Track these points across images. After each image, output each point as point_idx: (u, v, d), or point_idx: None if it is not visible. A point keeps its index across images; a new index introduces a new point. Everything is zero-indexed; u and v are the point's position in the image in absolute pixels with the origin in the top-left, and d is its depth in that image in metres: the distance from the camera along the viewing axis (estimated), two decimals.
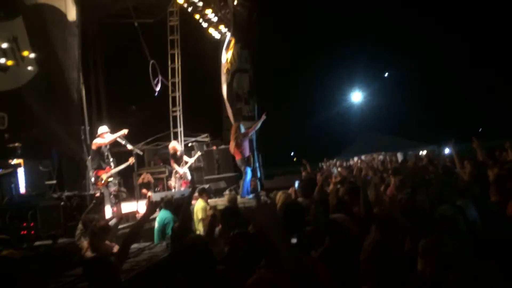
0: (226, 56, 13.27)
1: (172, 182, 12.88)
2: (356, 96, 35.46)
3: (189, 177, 11.92)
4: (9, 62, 7.05)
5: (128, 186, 12.49)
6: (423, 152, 19.24)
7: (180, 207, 7.87)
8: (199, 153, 12.80)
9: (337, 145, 30.66)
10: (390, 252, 2.71)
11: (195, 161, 12.31)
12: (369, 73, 41.70)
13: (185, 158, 11.93)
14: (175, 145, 11.91)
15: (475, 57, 41.57)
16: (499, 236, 3.28)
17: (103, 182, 8.32)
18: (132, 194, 12.06)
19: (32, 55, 7.41)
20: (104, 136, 8.46)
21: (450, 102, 39.94)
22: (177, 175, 11.71)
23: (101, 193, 6.89)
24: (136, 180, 12.68)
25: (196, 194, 8.72)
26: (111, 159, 8.67)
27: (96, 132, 8.72)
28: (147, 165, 14.01)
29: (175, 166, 11.54)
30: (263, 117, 10.84)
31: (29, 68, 7.32)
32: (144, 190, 11.72)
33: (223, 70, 13.27)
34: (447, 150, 13.97)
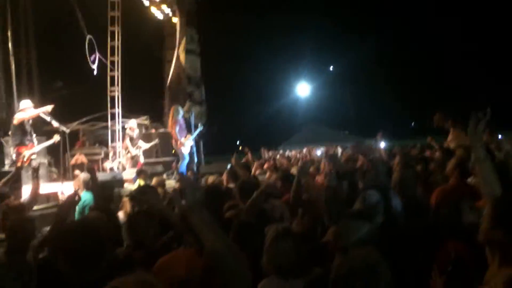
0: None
1: (108, 163, 12.46)
2: (303, 89, 35.89)
3: (142, 160, 11.72)
4: None
5: (60, 166, 11.93)
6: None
7: (109, 189, 7.59)
8: (157, 141, 12.74)
9: (283, 136, 30.93)
10: (293, 240, 2.65)
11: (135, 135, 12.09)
12: (316, 66, 42.32)
13: (140, 142, 11.88)
14: (133, 126, 11.90)
15: (420, 52, 43.19)
16: (418, 226, 3.34)
17: (25, 159, 7.86)
18: (64, 175, 11.55)
19: None
20: (26, 110, 7.95)
21: (391, 97, 41.49)
22: (129, 155, 11.63)
23: (18, 170, 6.43)
24: (69, 160, 12.17)
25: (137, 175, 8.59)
26: (34, 136, 8.18)
27: None
28: (83, 145, 13.44)
29: (129, 145, 11.50)
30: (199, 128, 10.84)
31: None
32: (76, 172, 11.22)
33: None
34: (383, 144, 14.35)
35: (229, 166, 7.66)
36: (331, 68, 39.39)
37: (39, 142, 8.43)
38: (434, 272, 2.40)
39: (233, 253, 1.74)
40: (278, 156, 15.08)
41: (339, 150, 15.86)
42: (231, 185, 6.22)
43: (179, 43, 13.99)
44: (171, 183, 9.58)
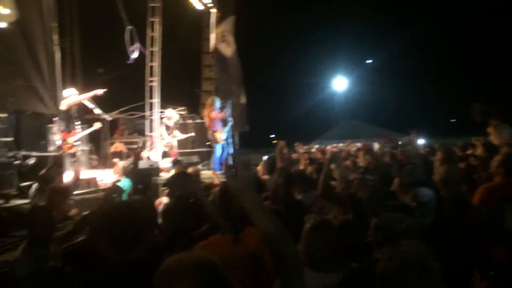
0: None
1: (145, 152, 12.70)
2: (339, 83, 35.38)
3: (176, 149, 11.96)
4: None
5: (100, 154, 12.27)
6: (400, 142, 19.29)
7: (147, 177, 7.77)
8: (192, 134, 13.19)
9: (319, 131, 30.64)
10: (330, 232, 2.61)
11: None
12: (352, 60, 41.49)
13: (176, 132, 12.22)
14: (171, 115, 12.26)
15: (461, 48, 41.21)
16: (461, 225, 3.24)
17: (69, 145, 8.11)
18: (104, 162, 11.88)
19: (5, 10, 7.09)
20: (71, 97, 8.20)
21: (432, 91, 39.91)
22: (164, 142, 11.92)
23: (62, 156, 6.64)
24: (108, 148, 12.49)
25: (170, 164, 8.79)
26: (78, 123, 8.43)
27: None
28: (122, 134, 13.76)
29: (163, 133, 11.85)
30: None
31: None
32: (115, 159, 11.50)
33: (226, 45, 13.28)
34: (421, 141, 14.00)
35: (265, 158, 7.66)
36: (369, 61, 38.54)
37: (82, 129, 8.67)
38: (475, 276, 2.32)
39: (285, 236, 1.72)
40: (313, 150, 14.95)
41: (376, 145, 15.58)
42: (265, 177, 6.24)
43: (218, 34, 14.09)
44: (206, 173, 9.67)
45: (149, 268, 1.58)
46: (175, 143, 12.13)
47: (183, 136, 12.42)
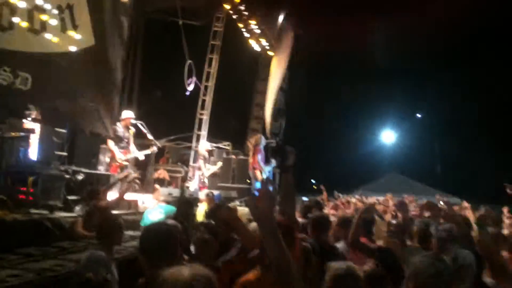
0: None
1: (188, 183, 12.94)
2: (388, 136, 34.97)
3: (207, 182, 12.12)
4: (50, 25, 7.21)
5: (145, 178, 12.61)
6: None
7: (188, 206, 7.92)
8: (220, 163, 13.08)
9: (362, 182, 30.11)
10: (355, 282, 2.56)
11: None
12: (403, 112, 40.73)
13: (208, 165, 12.38)
14: (206, 147, 12.61)
15: None
16: None
17: (117, 164, 8.40)
18: (146, 187, 12.18)
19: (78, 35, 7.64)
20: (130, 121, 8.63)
21: (485, 153, 37.93)
22: (201, 176, 12.21)
23: (109, 175, 6.93)
24: (152, 174, 12.81)
25: (204, 197, 8.84)
26: (132, 145, 8.79)
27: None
28: (166, 162, 14.09)
29: (204, 167, 12.10)
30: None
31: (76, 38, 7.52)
32: (156, 185, 11.77)
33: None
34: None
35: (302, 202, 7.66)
36: (418, 115, 37.80)
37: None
38: None
39: (292, 269, 1.76)
40: (353, 200, 14.67)
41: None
42: (300, 219, 6.21)
43: (276, 79, 14.46)
44: (243, 209, 9.69)
45: None
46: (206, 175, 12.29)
47: (215, 167, 12.52)
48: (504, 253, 4.26)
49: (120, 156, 8.43)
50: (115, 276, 3.32)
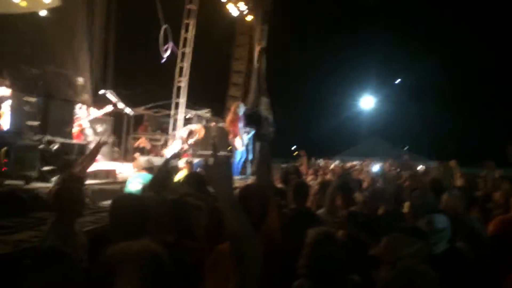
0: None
1: (166, 150, 12.85)
2: (367, 101, 35.18)
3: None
4: None
5: (122, 147, 12.49)
6: (421, 167, 19.04)
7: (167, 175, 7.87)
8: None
9: (342, 147, 30.43)
10: (334, 246, 2.59)
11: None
12: (382, 78, 40.90)
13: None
14: (201, 131, 12.41)
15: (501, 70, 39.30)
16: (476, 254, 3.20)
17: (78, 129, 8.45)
18: (125, 155, 12.08)
19: None
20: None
21: (461, 116, 38.48)
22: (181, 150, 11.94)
23: (87, 144, 6.82)
24: (131, 142, 12.68)
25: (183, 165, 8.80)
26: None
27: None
28: (145, 130, 13.95)
29: (186, 144, 12.09)
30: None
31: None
32: (136, 154, 11.68)
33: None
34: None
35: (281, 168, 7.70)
36: (397, 81, 38.08)
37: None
38: None
39: (251, 237, 1.75)
40: (332, 166, 14.85)
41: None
42: (279, 186, 6.25)
43: (256, 43, 14.21)
44: None
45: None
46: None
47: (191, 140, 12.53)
48: (474, 214, 4.39)
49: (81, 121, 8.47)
50: (78, 249, 3.20)
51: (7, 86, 6.32)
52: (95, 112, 9.01)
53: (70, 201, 3.36)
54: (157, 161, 9.52)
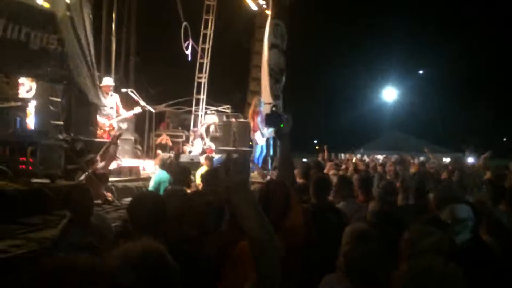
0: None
1: (188, 147, 12.95)
2: (389, 94, 34.63)
3: (213, 146, 12.16)
4: None
5: (144, 144, 12.68)
6: (447, 160, 18.73)
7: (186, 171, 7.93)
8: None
9: (363, 141, 30.11)
10: (376, 244, 2.54)
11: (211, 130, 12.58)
12: (405, 70, 40.26)
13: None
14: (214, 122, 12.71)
15: None
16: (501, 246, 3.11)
17: (104, 131, 8.62)
18: (148, 153, 12.25)
19: None
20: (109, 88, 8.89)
21: (485, 108, 37.61)
22: (205, 146, 12.34)
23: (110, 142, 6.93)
24: (153, 140, 12.84)
25: (204, 160, 8.85)
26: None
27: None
28: (167, 127, 14.09)
29: (206, 139, 12.37)
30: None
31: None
32: (158, 151, 11.81)
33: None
34: (470, 160, 13.47)
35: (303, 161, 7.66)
36: (420, 72, 37.37)
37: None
38: None
39: (272, 240, 1.74)
40: (354, 160, 14.73)
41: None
42: (300, 181, 6.21)
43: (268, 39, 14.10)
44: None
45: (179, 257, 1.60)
46: (211, 143, 12.41)
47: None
48: (502, 207, 4.28)
49: (103, 121, 8.61)
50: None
51: (32, 87, 6.47)
52: (125, 113, 9.17)
53: (79, 201, 3.41)
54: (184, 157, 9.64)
